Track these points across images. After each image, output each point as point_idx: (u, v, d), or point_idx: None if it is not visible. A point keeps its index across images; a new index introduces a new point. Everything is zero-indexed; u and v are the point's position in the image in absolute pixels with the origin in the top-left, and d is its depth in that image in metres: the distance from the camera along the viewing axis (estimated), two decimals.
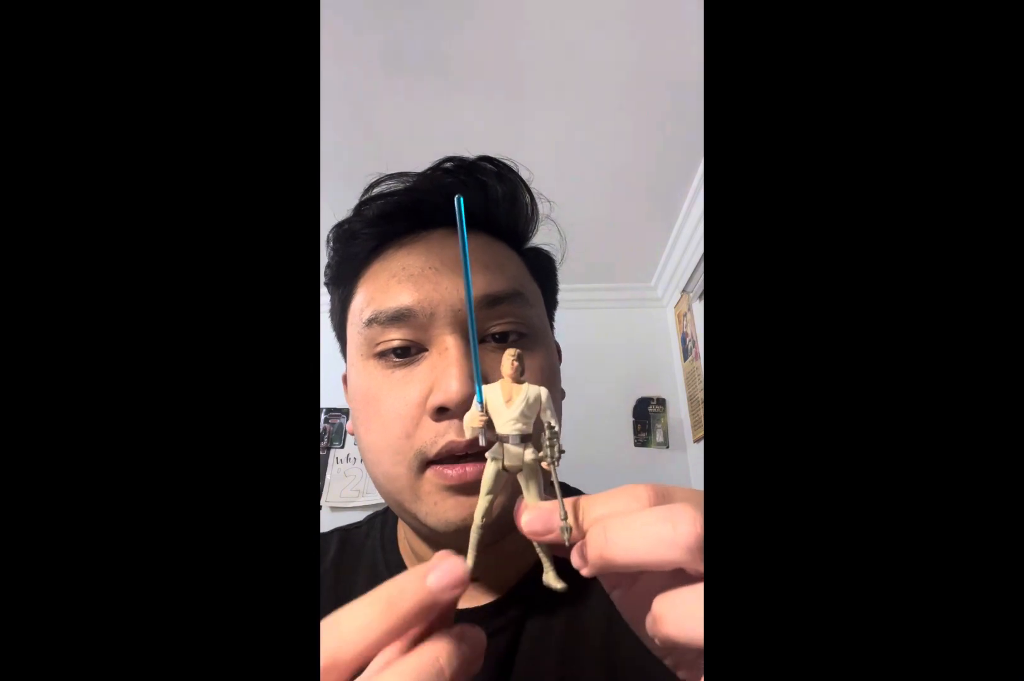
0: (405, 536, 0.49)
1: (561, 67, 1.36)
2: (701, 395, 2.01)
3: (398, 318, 0.40)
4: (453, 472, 0.37)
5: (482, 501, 0.27)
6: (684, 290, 2.13)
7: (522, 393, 0.26)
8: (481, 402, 0.27)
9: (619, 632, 0.41)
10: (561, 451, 0.25)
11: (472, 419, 0.27)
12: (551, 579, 0.26)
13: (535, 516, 0.24)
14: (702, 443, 1.94)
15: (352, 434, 0.45)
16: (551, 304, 0.51)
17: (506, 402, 0.26)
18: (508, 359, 0.27)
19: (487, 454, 0.26)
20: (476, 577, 0.28)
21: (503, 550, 0.41)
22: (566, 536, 0.23)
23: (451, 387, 0.36)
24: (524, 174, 0.46)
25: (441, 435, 0.38)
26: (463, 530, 0.37)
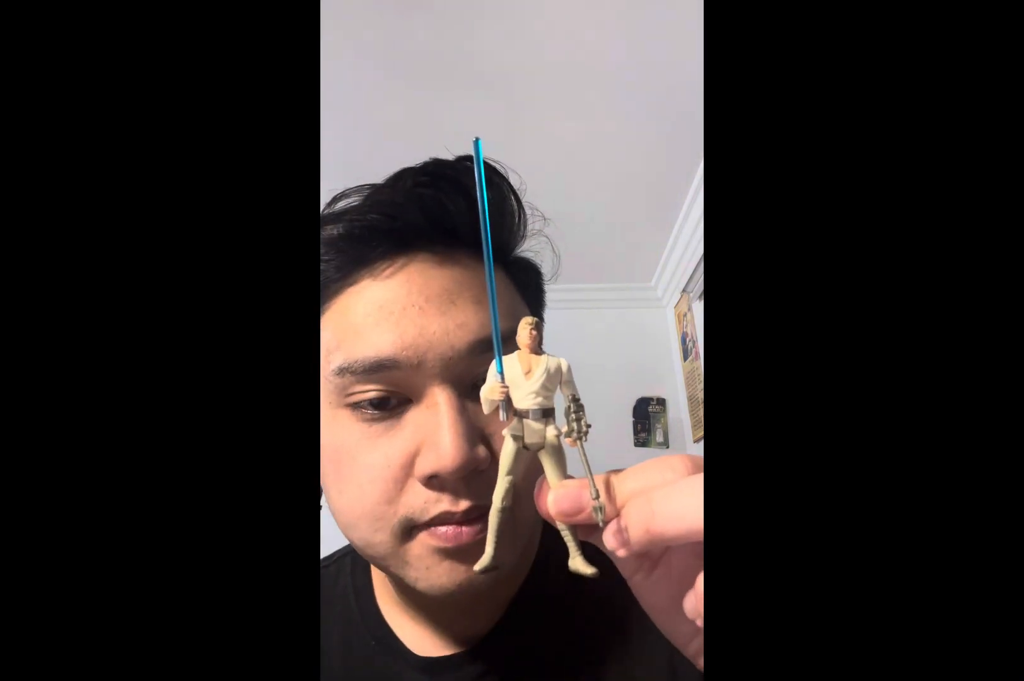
0: (383, 579, 0.45)
1: (561, 67, 1.36)
2: (701, 395, 2.01)
3: (377, 370, 0.34)
4: (448, 531, 0.33)
5: (502, 482, 0.25)
6: (684, 290, 2.13)
7: (542, 364, 0.24)
8: (501, 372, 0.24)
9: (609, 662, 0.40)
10: (588, 426, 0.23)
11: (492, 392, 0.25)
12: (579, 565, 0.24)
13: (563, 495, 0.23)
14: (702, 443, 1.94)
15: None
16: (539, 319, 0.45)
17: (525, 374, 0.24)
18: (526, 328, 0.24)
19: (504, 431, 0.24)
20: (496, 566, 0.25)
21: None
22: (600, 516, 0.21)
23: (445, 452, 0.32)
24: (514, 179, 0.40)
25: (433, 503, 0.33)
26: (457, 595, 0.35)
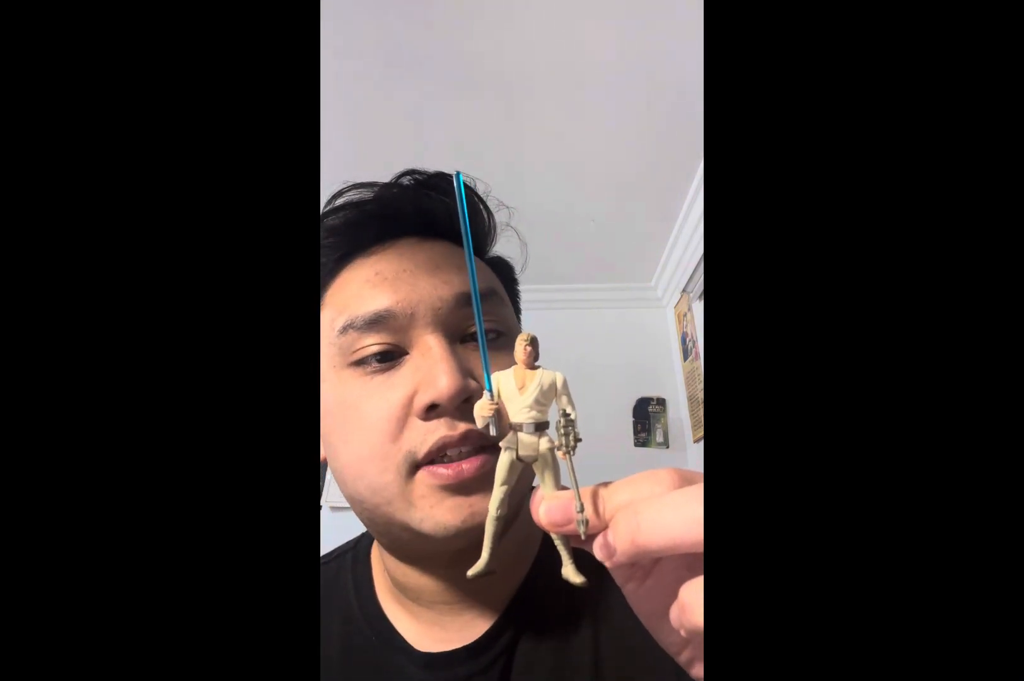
0: (384, 566, 0.46)
1: (561, 67, 1.36)
2: (701, 395, 2.01)
3: (377, 321, 0.38)
4: (448, 471, 0.36)
5: (496, 492, 0.26)
6: (684, 290, 2.13)
7: (536, 379, 0.25)
8: (490, 389, 0.26)
9: (608, 657, 0.40)
10: (577, 439, 0.24)
11: (482, 408, 0.26)
12: (570, 573, 0.25)
13: (554, 506, 0.23)
14: (702, 443, 1.94)
15: (323, 461, 0.43)
16: (516, 311, 0.51)
17: (519, 389, 0.25)
18: (521, 344, 0.26)
19: (501, 443, 0.26)
20: (493, 570, 0.26)
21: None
22: (582, 529, 0.22)
23: (440, 382, 0.35)
24: (480, 188, 0.46)
25: (431, 432, 0.36)
26: (462, 534, 0.36)
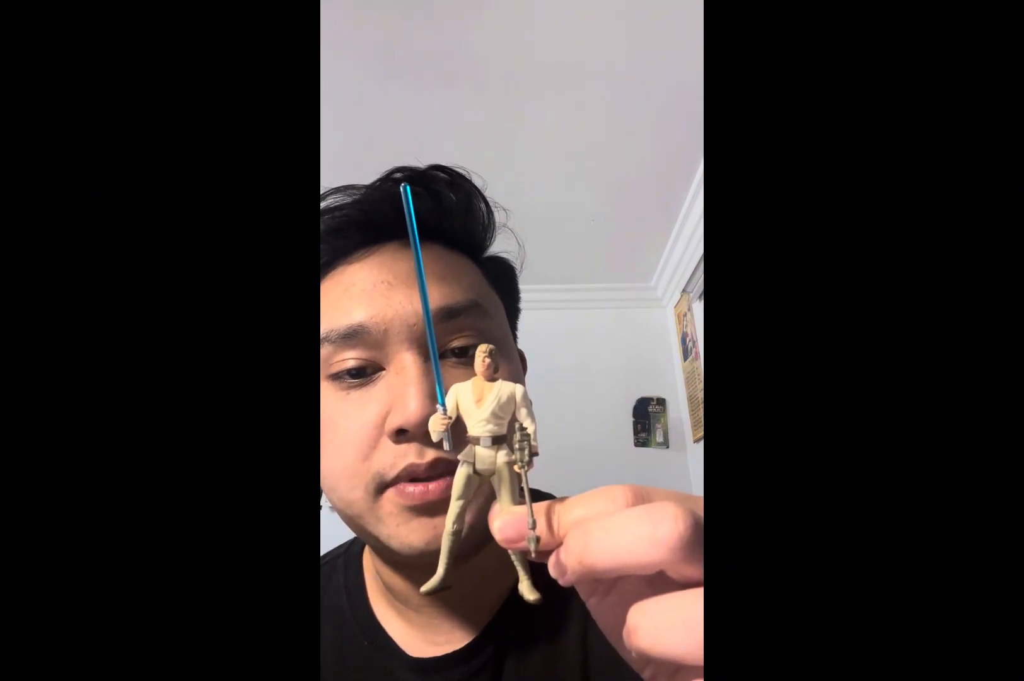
0: (375, 569, 0.47)
1: (561, 66, 1.36)
2: (701, 395, 2.01)
3: (351, 336, 0.38)
4: (415, 490, 0.36)
5: (453, 506, 0.25)
6: (684, 290, 2.13)
7: (494, 391, 0.25)
8: (443, 404, 0.26)
9: (596, 660, 0.40)
10: (533, 454, 0.24)
11: (434, 422, 0.26)
12: (525, 590, 0.25)
13: (507, 522, 0.23)
14: (702, 443, 1.94)
15: None
16: (513, 313, 0.49)
17: (476, 402, 0.25)
18: (480, 355, 0.25)
19: (459, 457, 0.25)
20: (448, 585, 0.26)
21: (481, 567, 0.39)
22: (533, 546, 0.22)
23: (409, 408, 0.35)
24: (477, 182, 0.45)
25: (401, 457, 0.36)
26: (427, 555, 0.36)
